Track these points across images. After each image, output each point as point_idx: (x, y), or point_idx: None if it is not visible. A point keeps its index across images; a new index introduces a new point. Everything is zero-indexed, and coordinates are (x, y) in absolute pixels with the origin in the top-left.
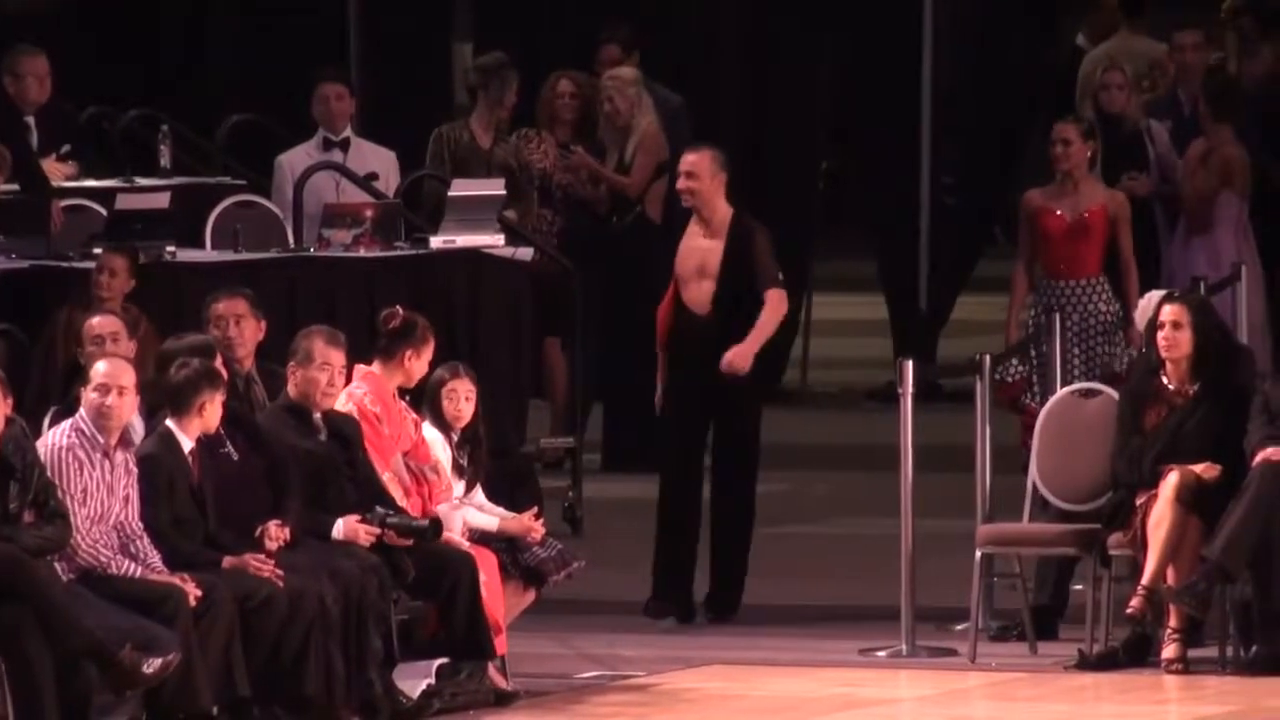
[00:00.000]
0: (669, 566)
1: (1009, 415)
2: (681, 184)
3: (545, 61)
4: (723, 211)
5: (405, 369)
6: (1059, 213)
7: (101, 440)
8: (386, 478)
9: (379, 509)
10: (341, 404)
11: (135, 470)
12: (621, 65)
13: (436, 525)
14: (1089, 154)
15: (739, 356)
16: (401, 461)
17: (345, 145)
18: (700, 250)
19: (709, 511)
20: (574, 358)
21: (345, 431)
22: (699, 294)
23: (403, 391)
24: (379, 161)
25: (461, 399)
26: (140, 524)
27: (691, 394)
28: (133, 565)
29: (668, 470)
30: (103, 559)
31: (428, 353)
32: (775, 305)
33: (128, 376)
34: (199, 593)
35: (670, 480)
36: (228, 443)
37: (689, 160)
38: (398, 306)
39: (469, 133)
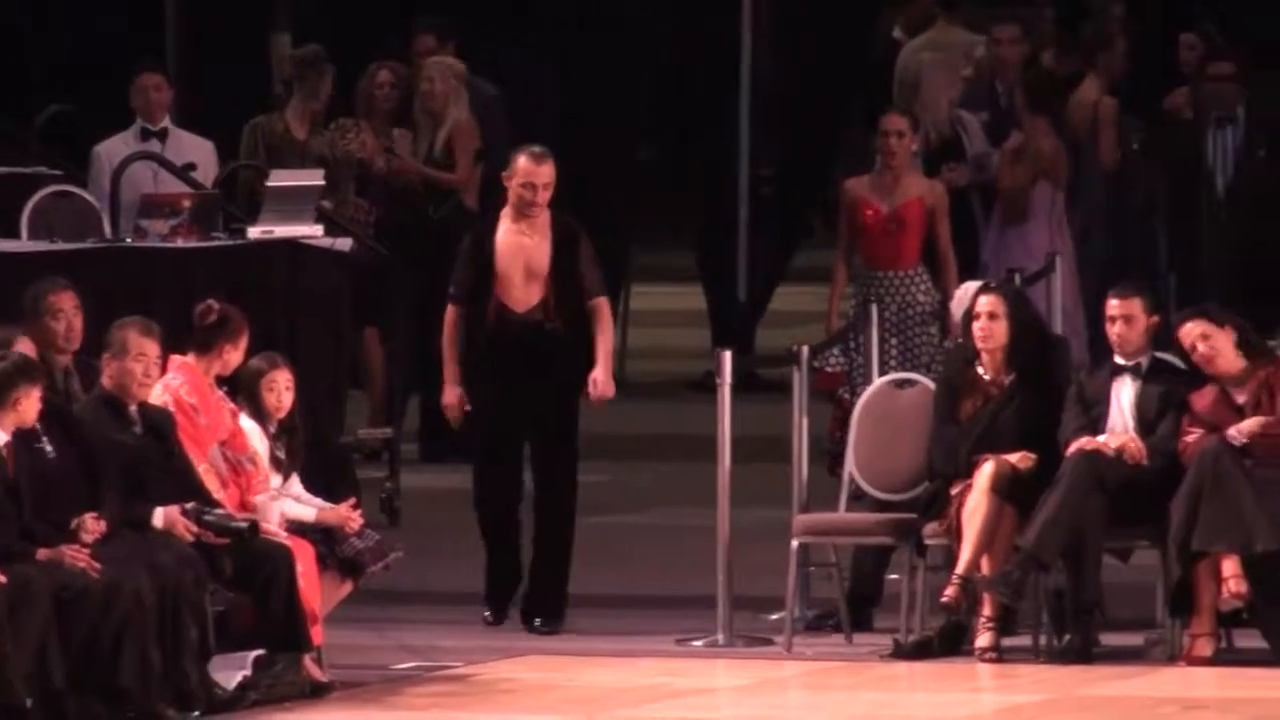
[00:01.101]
0: (499, 580)
1: (827, 406)
2: (540, 197)
3: (362, 53)
4: (546, 211)
5: (222, 359)
6: (877, 204)
7: None
8: (203, 469)
9: (197, 506)
10: (157, 395)
11: None
12: (437, 55)
13: (254, 527)
14: (914, 146)
15: (606, 385)
16: (219, 452)
17: (163, 135)
18: (525, 249)
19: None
20: (392, 348)
21: (160, 424)
22: (525, 295)
23: (219, 380)
24: (197, 152)
25: (281, 389)
26: None
27: (513, 400)
28: None
29: (486, 486)
30: None
31: (243, 342)
32: (608, 320)
33: None
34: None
35: (490, 497)
36: (44, 436)
37: (546, 173)
38: (211, 301)
39: (284, 124)
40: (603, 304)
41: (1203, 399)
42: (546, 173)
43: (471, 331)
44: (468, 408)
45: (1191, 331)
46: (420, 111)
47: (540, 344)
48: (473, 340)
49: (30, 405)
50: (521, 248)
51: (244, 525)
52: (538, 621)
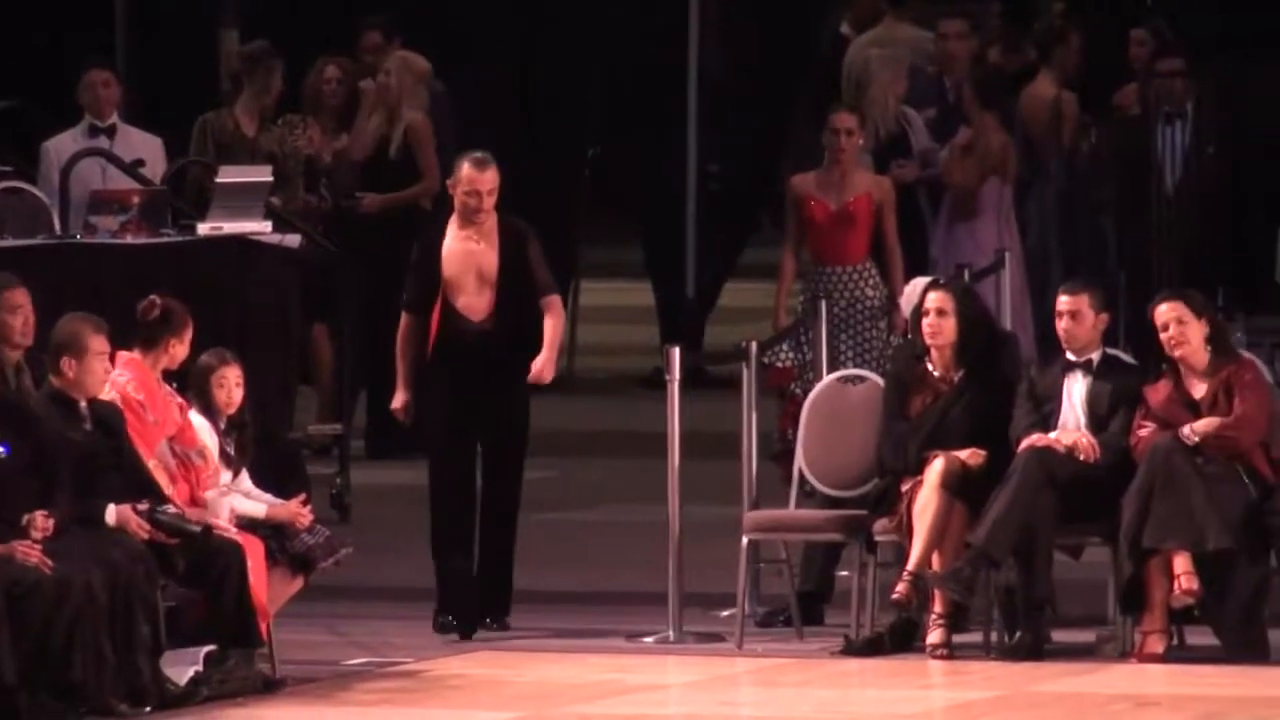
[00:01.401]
0: (454, 586)
1: (774, 402)
2: (485, 204)
3: (309, 49)
4: (493, 216)
5: (169, 354)
6: (825, 200)
7: None
8: (152, 465)
9: (151, 507)
10: (104, 392)
11: None
12: (384, 51)
13: (208, 529)
14: (861, 142)
15: (546, 368)
16: (167, 448)
17: (111, 132)
18: (474, 255)
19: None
20: (340, 344)
21: (110, 420)
22: (478, 301)
23: (167, 375)
24: (145, 148)
25: (231, 385)
26: None
27: (466, 405)
28: None
29: (441, 496)
30: None
31: (189, 336)
32: (560, 312)
33: None
34: None
35: (447, 502)
36: None
37: (489, 179)
38: (154, 296)
39: (234, 120)
40: (556, 301)
41: (1157, 394)
42: (490, 179)
43: (424, 339)
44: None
45: (1168, 313)
46: (372, 99)
47: (493, 351)
48: (425, 348)
49: None
50: (471, 254)
51: (197, 528)
52: (488, 620)
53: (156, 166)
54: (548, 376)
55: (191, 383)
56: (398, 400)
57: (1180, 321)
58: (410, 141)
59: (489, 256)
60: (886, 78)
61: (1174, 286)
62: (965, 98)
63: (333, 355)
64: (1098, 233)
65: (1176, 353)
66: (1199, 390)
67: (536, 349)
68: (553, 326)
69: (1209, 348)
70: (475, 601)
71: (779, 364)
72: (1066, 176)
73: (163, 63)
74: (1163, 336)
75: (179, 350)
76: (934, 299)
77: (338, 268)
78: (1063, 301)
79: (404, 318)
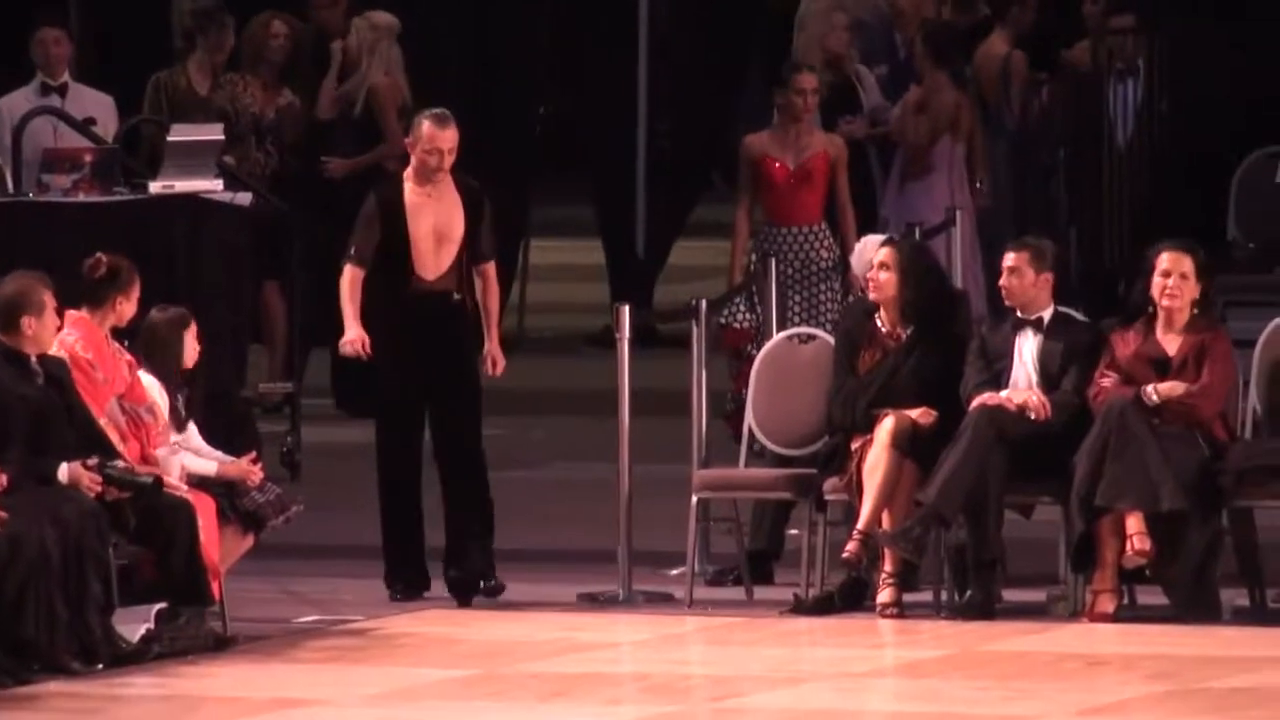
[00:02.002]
0: (406, 554)
1: (725, 361)
2: (445, 163)
3: (261, 6)
4: (448, 174)
5: (116, 312)
6: (781, 160)
7: None
8: (103, 423)
9: (100, 460)
10: (53, 351)
11: None
12: (332, 8)
13: (158, 481)
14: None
15: (499, 353)
16: (117, 405)
17: (63, 90)
18: (433, 213)
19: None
20: (291, 302)
21: (59, 374)
22: (436, 262)
23: (115, 332)
24: (97, 107)
25: (188, 344)
26: None
27: (417, 369)
28: None
29: (391, 460)
30: None
31: (135, 293)
32: (495, 280)
33: None
34: None
35: (396, 467)
36: None
37: (450, 137)
38: (100, 255)
39: (186, 78)
40: (491, 269)
41: (1125, 345)
42: (450, 137)
43: (375, 299)
44: (367, 350)
45: (1173, 263)
46: (342, 64)
47: (448, 314)
48: (376, 308)
49: None
50: (430, 212)
51: (148, 480)
52: (481, 584)
53: (108, 125)
54: (503, 364)
55: (142, 340)
56: (352, 333)
57: (1183, 276)
58: (372, 104)
59: (450, 215)
60: (815, 30)
61: (1179, 237)
62: (917, 55)
63: (284, 313)
64: (1048, 191)
65: (1166, 303)
66: (1171, 346)
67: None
68: (494, 308)
69: (1194, 310)
70: (424, 569)
71: (736, 324)
72: (1017, 135)
73: (115, 20)
74: (1159, 282)
75: (126, 308)
76: (880, 254)
77: (287, 225)
78: (1005, 259)
79: (349, 270)
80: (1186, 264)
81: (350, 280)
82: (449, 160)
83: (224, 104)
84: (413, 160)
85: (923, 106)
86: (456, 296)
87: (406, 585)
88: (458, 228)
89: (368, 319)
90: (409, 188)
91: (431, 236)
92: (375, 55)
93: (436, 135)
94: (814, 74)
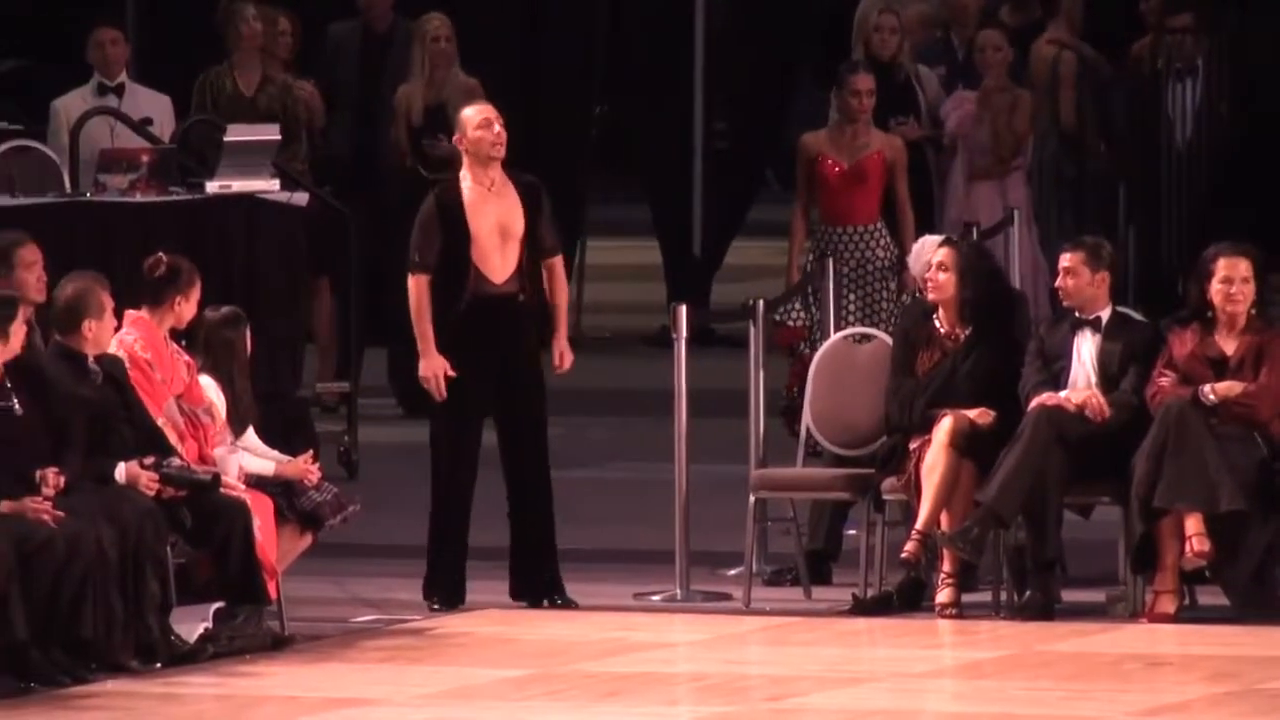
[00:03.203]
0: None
1: (783, 360)
2: (501, 136)
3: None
4: (500, 169)
5: (175, 312)
6: (836, 159)
7: None
8: (160, 423)
9: (158, 459)
10: (112, 350)
11: None
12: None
13: (216, 479)
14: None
15: (567, 352)
16: (175, 405)
17: (120, 90)
18: (494, 210)
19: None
20: (347, 302)
21: (116, 373)
22: (503, 261)
23: (174, 333)
24: (154, 107)
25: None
26: None
27: (481, 374)
28: None
29: (451, 468)
30: None
31: (195, 294)
32: (564, 275)
33: None
34: None
35: (452, 480)
36: (9, 389)
37: (494, 110)
38: (160, 254)
39: (231, 80)
40: (559, 263)
41: (1183, 344)
42: (494, 110)
43: (440, 305)
44: (450, 373)
45: (1233, 268)
46: (433, 68)
47: (514, 317)
48: (441, 314)
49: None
50: (493, 209)
51: (206, 477)
52: (554, 600)
53: (165, 125)
54: (571, 362)
55: (200, 340)
56: (429, 366)
57: (1244, 280)
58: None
59: (511, 212)
60: (869, 14)
61: (1234, 241)
62: (976, 58)
63: (332, 312)
64: (1108, 191)
65: (1230, 308)
66: (1229, 346)
67: (543, 305)
68: (562, 304)
69: (1253, 310)
70: (463, 582)
71: (790, 323)
72: (1071, 134)
73: (172, 21)
74: (1219, 289)
75: (185, 309)
76: (939, 255)
77: (344, 225)
78: (1062, 259)
79: (415, 279)
80: (1245, 267)
81: (418, 293)
82: (503, 134)
83: (271, 105)
84: (467, 152)
85: (988, 107)
86: (522, 298)
87: (445, 597)
88: (519, 224)
89: (434, 325)
90: (467, 187)
91: (496, 234)
92: (448, 58)
93: (482, 109)
94: (870, 75)
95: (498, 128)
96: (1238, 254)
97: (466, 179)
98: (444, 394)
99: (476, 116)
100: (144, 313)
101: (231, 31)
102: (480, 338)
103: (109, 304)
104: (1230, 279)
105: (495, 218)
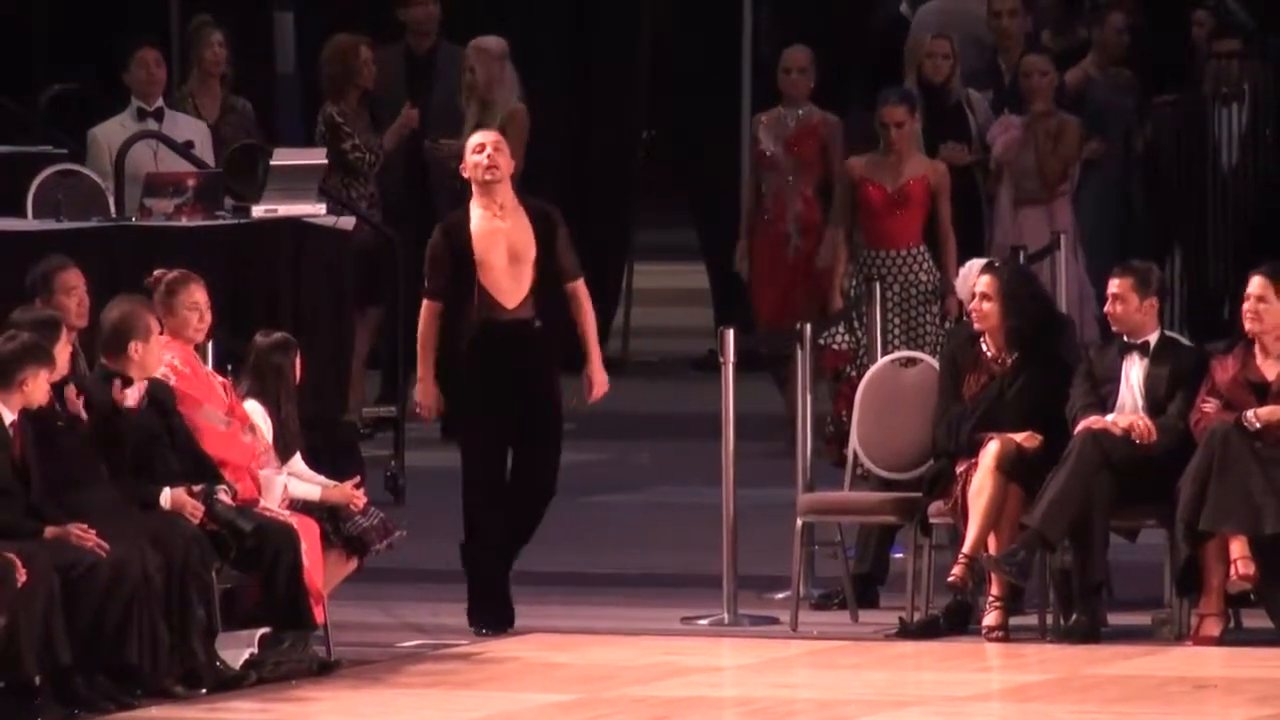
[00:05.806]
0: (489, 588)
1: (827, 383)
2: (496, 160)
3: (366, 30)
4: (509, 190)
5: (180, 318)
6: (879, 184)
7: None
8: (204, 413)
9: (206, 487)
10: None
11: None
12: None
13: (258, 530)
14: (916, 125)
15: (603, 380)
16: (214, 413)
17: (159, 115)
18: (504, 234)
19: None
20: (395, 327)
21: (163, 398)
22: (513, 286)
23: (225, 359)
24: (193, 131)
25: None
26: None
27: (500, 401)
28: None
29: (479, 496)
30: None
31: (201, 296)
32: (588, 299)
33: None
34: (24, 577)
35: (481, 506)
36: (57, 414)
37: (494, 139)
38: (157, 271)
39: (191, 104)
40: (581, 286)
41: (1225, 370)
42: (495, 139)
43: (454, 333)
44: (441, 411)
45: (1253, 287)
46: (466, 98)
47: (528, 344)
48: (456, 343)
49: (38, 387)
50: (500, 232)
51: (247, 527)
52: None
53: (204, 150)
54: (606, 387)
55: (249, 365)
56: (424, 394)
57: (1262, 299)
58: (509, 130)
59: (520, 235)
60: (922, 38)
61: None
62: (1021, 83)
63: (366, 338)
64: (1151, 216)
65: (1249, 327)
66: (1271, 371)
67: (561, 331)
68: (589, 329)
69: None
70: (509, 604)
71: (834, 346)
72: (1114, 161)
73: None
74: (1244, 307)
75: (193, 314)
76: (981, 283)
77: (393, 250)
78: (1110, 284)
79: (426, 305)
80: (1265, 288)
81: (426, 318)
82: (499, 160)
83: (236, 135)
84: (470, 180)
85: (1036, 132)
86: (537, 324)
87: (491, 622)
88: (530, 249)
89: (448, 353)
90: (475, 215)
91: (505, 259)
92: (504, 83)
93: (478, 136)
94: (900, 106)
95: (489, 152)
96: (1264, 274)
97: (475, 207)
98: (430, 420)
99: (471, 144)
100: (167, 336)
101: (194, 55)
102: (495, 364)
103: (155, 327)
104: (1251, 296)
105: (504, 243)
